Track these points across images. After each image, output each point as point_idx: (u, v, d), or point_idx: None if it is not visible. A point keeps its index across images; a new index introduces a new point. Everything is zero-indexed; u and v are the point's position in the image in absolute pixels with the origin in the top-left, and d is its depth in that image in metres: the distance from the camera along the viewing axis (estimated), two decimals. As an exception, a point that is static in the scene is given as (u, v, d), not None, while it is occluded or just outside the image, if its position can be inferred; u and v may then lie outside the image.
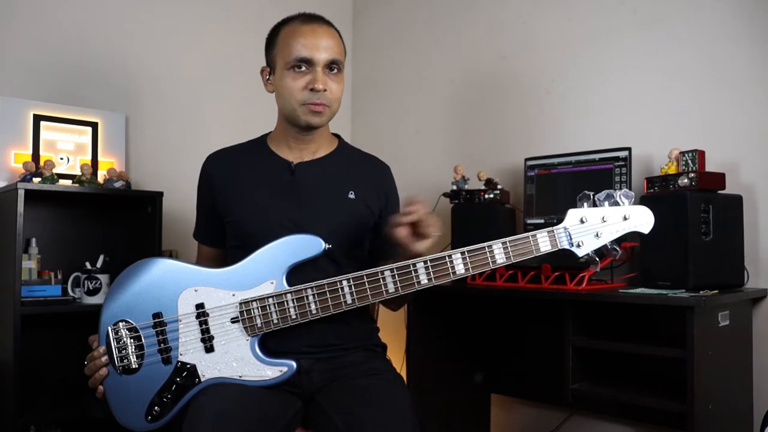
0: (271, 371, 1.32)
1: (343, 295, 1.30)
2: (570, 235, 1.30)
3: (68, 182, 2.17)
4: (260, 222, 1.43)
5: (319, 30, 1.44)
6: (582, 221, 1.30)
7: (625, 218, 1.30)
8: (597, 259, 1.33)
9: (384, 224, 1.54)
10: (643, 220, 1.30)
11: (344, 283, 1.30)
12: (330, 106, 1.44)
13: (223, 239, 1.53)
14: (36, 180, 2.05)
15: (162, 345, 1.33)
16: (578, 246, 1.30)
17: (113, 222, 2.34)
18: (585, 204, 1.31)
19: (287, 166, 1.49)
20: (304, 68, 1.41)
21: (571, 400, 1.85)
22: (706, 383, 1.60)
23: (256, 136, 1.59)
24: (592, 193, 1.32)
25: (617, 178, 2.01)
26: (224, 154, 1.56)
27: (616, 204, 1.30)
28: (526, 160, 2.25)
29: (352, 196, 1.49)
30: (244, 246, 1.40)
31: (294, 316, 1.31)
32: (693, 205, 1.72)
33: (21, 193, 1.92)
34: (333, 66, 1.44)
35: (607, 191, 1.31)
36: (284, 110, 1.47)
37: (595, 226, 1.30)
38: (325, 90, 1.41)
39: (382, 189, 1.56)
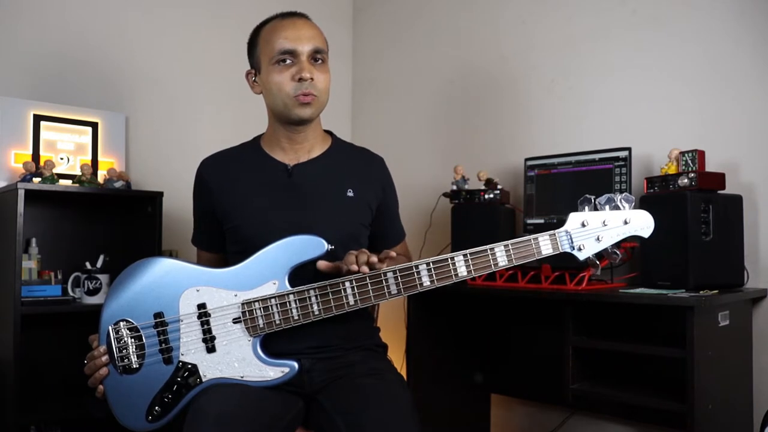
0: (273, 372, 1.32)
1: (346, 297, 1.30)
2: (571, 238, 1.31)
3: (68, 182, 2.17)
4: (261, 226, 1.42)
5: (298, 22, 1.45)
6: (583, 225, 1.30)
7: (625, 222, 1.30)
8: (597, 262, 1.33)
9: (382, 216, 1.55)
10: (643, 224, 1.31)
11: (347, 284, 1.30)
12: (318, 96, 1.43)
13: (222, 244, 1.52)
14: (36, 180, 2.05)
15: (163, 345, 1.32)
16: (579, 249, 1.31)
17: (113, 222, 2.34)
18: (586, 207, 1.32)
19: (284, 168, 1.49)
20: (288, 61, 1.41)
21: (571, 400, 1.86)
22: (706, 383, 1.60)
23: (256, 136, 1.58)
24: (593, 197, 1.32)
25: (617, 178, 2.01)
26: (218, 158, 1.54)
27: (617, 208, 1.31)
28: (526, 160, 2.25)
29: (350, 194, 1.49)
30: (245, 251, 1.38)
31: (296, 317, 1.31)
32: (693, 205, 1.73)
33: (21, 193, 1.92)
34: (317, 56, 1.44)
35: (607, 195, 1.32)
36: (274, 107, 1.46)
37: (596, 230, 1.30)
38: (312, 79, 1.41)
39: (379, 183, 1.56)
